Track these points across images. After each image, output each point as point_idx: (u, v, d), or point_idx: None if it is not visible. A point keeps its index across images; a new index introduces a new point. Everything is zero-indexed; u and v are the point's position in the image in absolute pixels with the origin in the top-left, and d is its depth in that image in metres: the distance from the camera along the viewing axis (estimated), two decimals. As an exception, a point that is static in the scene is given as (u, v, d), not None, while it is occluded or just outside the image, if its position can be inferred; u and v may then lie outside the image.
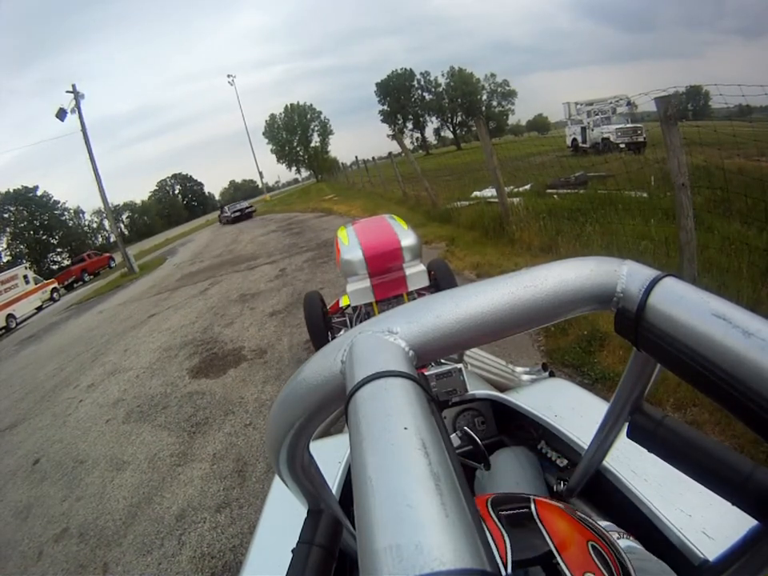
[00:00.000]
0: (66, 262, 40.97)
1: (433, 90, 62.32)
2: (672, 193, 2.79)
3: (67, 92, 15.33)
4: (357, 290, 1.77)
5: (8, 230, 47.80)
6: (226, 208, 26.68)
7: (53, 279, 18.58)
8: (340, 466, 0.85)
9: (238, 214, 24.21)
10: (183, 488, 2.31)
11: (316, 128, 58.58)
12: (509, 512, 0.40)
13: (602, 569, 0.34)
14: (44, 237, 51.18)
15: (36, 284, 15.98)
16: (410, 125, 64.88)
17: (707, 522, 0.53)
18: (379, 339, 0.27)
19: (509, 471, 0.75)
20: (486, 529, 0.36)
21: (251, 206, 25.35)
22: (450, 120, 63.82)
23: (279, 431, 0.32)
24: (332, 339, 0.77)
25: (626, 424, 0.41)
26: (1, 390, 5.65)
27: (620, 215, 4.16)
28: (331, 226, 10.17)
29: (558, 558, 0.35)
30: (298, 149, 57.90)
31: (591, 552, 0.35)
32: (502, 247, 4.83)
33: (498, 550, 0.35)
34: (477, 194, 8.18)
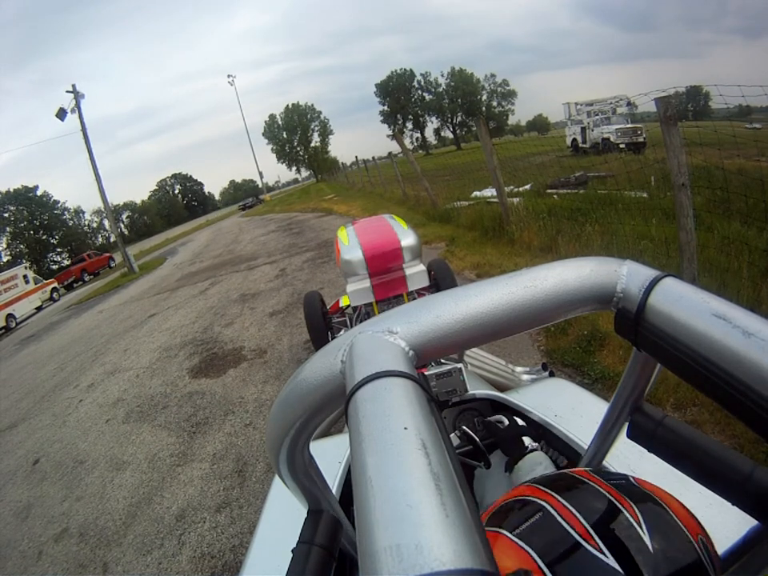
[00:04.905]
0: (66, 262, 41.13)
1: (433, 90, 62.40)
2: (672, 193, 2.79)
3: (67, 92, 15.30)
4: (357, 290, 1.77)
5: (8, 229, 47.87)
6: (240, 203, 52.85)
7: (53, 279, 18.57)
8: (340, 466, 0.85)
9: (242, 205, 47.37)
10: (183, 488, 2.31)
11: (316, 128, 58.65)
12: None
13: (710, 539, 0.32)
14: (44, 237, 51.24)
15: (36, 284, 15.97)
16: (409, 125, 65.00)
17: (707, 522, 0.53)
18: (379, 339, 0.27)
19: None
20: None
21: (251, 203, 46.94)
22: (449, 120, 63.88)
23: (279, 431, 0.32)
24: (332, 339, 0.77)
25: (626, 424, 0.41)
26: (1, 390, 5.65)
27: (620, 215, 4.16)
28: (331, 226, 10.17)
29: (674, 516, 0.33)
30: (298, 149, 57.99)
31: (697, 520, 0.34)
32: (502, 247, 4.83)
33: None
34: (477, 194, 8.18)
